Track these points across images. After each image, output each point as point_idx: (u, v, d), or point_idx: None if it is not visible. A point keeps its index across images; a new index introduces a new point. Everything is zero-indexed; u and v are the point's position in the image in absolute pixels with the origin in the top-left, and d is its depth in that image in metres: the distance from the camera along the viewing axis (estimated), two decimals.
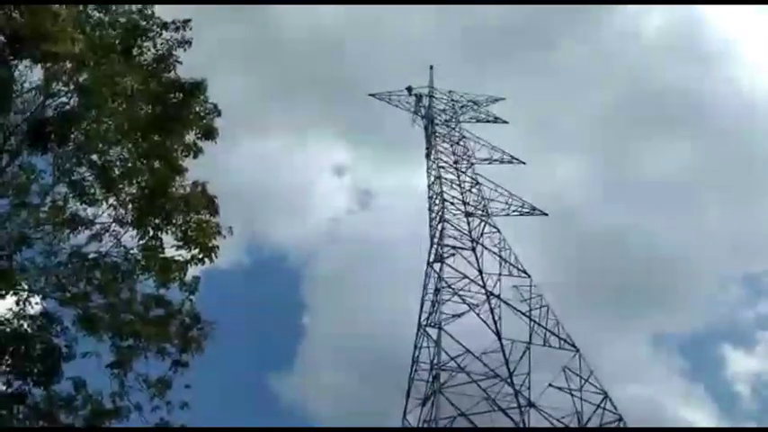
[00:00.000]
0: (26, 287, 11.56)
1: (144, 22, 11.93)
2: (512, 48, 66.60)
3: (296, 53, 63.98)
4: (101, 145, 11.39)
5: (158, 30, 11.98)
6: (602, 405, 23.83)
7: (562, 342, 26.06)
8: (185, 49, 12.03)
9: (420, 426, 22.28)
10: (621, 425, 23.12)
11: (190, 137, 12.06)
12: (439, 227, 30.28)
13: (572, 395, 24.30)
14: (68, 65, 10.78)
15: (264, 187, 62.53)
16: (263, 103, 66.97)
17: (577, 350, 25.59)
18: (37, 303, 11.65)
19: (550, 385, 24.91)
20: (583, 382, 24.55)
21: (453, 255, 28.59)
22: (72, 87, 11.16)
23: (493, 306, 27.47)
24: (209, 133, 12.15)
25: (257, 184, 61.53)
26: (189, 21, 12.01)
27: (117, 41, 11.84)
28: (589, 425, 23.63)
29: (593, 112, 62.67)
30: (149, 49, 12.04)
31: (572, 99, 62.98)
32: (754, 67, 71.56)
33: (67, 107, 11.23)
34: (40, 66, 11.06)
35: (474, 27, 64.48)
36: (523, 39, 67.06)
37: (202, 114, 12.09)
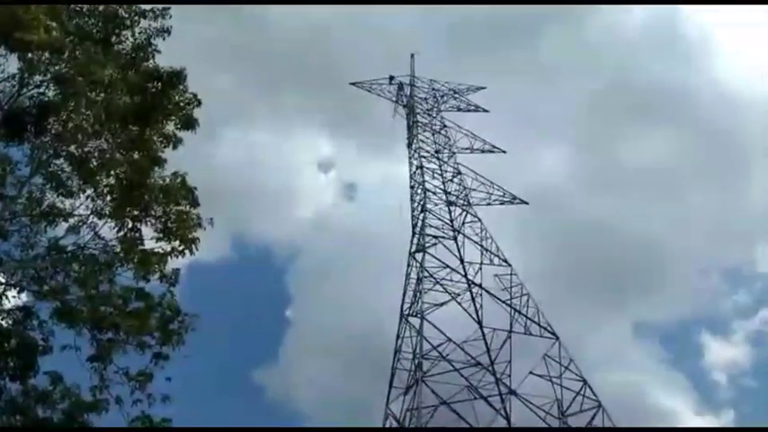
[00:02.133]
0: (2, 280, 11.38)
1: (122, 11, 11.71)
2: (494, 42, 66.45)
3: (279, 47, 63.40)
4: (78, 136, 11.17)
5: (137, 18, 11.77)
6: (582, 392, 24.17)
7: (542, 330, 26.35)
8: (164, 38, 11.84)
9: (402, 414, 22.43)
10: (601, 412, 23.48)
11: (169, 127, 11.90)
12: (421, 216, 30.36)
13: (552, 383, 24.62)
14: (44, 54, 10.55)
15: (249, 181, 62.20)
16: (247, 98, 66.43)
17: (557, 338, 25.90)
18: (14, 297, 11.49)
19: (531, 373, 25.21)
20: (563, 369, 24.87)
21: (435, 244, 28.70)
22: (48, 77, 10.92)
23: (474, 295, 27.68)
24: (189, 123, 11.97)
25: (241, 178, 61.15)
26: (168, 8, 11.81)
27: (95, 30, 11.61)
28: (569, 412, 23.97)
29: (575, 103, 63.07)
30: (128, 38, 11.83)
31: (553, 91, 63.29)
32: (732, 57, 72.42)
33: (44, 97, 11.00)
34: (15, 55, 10.82)
35: (458, 21, 64.35)
36: (506, 33, 67.03)
37: (182, 104, 11.91)
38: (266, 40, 64.70)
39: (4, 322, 11.46)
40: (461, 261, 28.74)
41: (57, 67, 10.77)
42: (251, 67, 66.18)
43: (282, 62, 64.07)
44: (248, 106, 66.55)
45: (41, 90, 11.03)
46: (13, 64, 10.90)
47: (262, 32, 65.35)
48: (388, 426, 22.53)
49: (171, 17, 11.84)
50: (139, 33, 11.86)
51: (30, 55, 10.47)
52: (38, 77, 10.91)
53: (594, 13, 70.05)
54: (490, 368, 25.39)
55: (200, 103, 11.96)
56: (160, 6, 11.74)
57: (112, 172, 11.50)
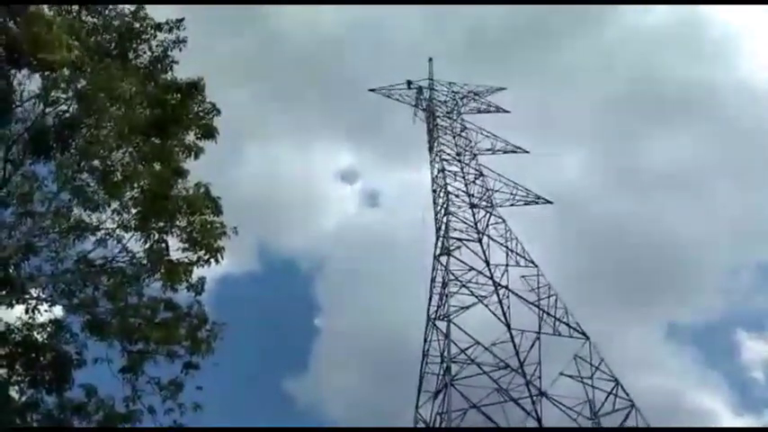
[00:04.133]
0: (34, 295, 11.63)
1: (137, 25, 11.94)
2: (514, 47, 65.75)
3: (296, 58, 63.75)
4: (102, 150, 11.39)
5: (152, 31, 11.99)
6: (614, 392, 23.76)
7: (572, 330, 25.98)
8: (180, 49, 12.05)
9: (432, 418, 22.29)
10: (634, 412, 23.04)
11: (190, 137, 12.07)
12: (444, 219, 30.21)
13: (583, 383, 24.23)
14: (66, 72, 10.79)
15: (273, 194, 62.54)
16: (266, 111, 66.83)
17: (587, 338, 25.50)
18: (46, 311, 11.73)
19: (561, 374, 24.85)
20: (594, 369, 24.47)
21: (459, 247, 28.52)
22: (71, 94, 11.17)
23: (501, 297, 27.42)
24: (209, 132, 12.15)
25: (265, 191, 61.51)
26: (182, 20, 12.00)
27: (112, 46, 11.85)
28: (601, 412, 23.58)
29: (596, 104, 62.20)
30: (145, 52, 12.07)
31: (574, 93, 62.49)
32: (755, 55, 70.88)
33: (67, 114, 11.25)
34: (38, 74, 11.09)
35: (475, 26, 64.07)
36: (525, 38, 66.26)
37: (201, 114, 12.09)
38: (282, 53, 65.21)
39: (39, 336, 11.71)
40: (487, 263, 28.48)
41: (79, 85, 11.01)
42: (268, 80, 66.60)
43: (300, 73, 64.39)
44: (268, 119, 67.02)
45: (64, 107, 11.29)
46: (35, 83, 11.20)
47: (277, 45, 65.88)
48: None
49: (185, 28, 12.07)
50: (156, 46, 12.09)
51: (53, 74, 10.71)
52: (61, 95, 11.17)
53: (614, 14, 69.21)
54: (520, 370, 25.08)
55: (219, 112, 12.14)
56: (174, 18, 11.95)
57: (136, 184, 11.70)
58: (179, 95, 11.78)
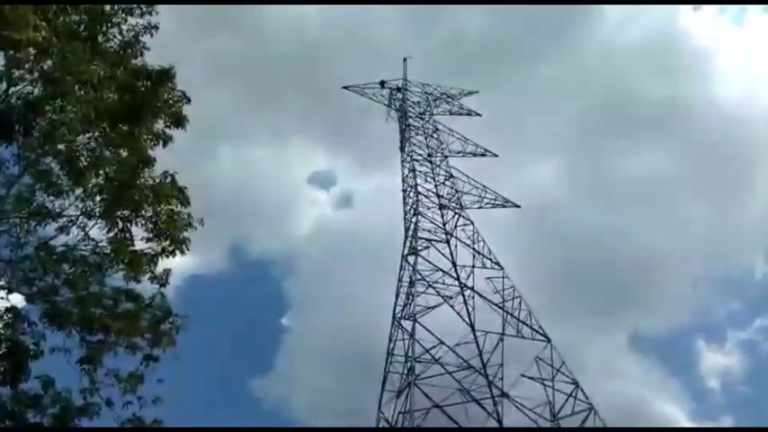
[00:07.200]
0: None
1: (108, 7, 11.68)
2: (490, 59, 66.35)
3: (273, 61, 63.40)
4: (67, 134, 11.10)
5: (123, 15, 11.75)
6: (574, 394, 24.17)
7: (534, 333, 26.35)
8: (152, 35, 11.84)
9: (395, 418, 22.34)
10: (592, 414, 23.47)
11: (159, 125, 11.87)
12: (413, 219, 30.33)
13: (544, 385, 24.60)
14: (31, 52, 10.49)
15: (246, 195, 62.27)
16: (243, 113, 66.43)
17: (549, 340, 25.90)
18: (2, 298, 11.36)
19: (523, 375, 25.20)
20: (555, 372, 24.87)
21: (427, 247, 28.68)
22: (36, 75, 10.86)
23: (466, 298, 27.66)
24: (179, 121, 11.96)
25: (239, 192, 61.25)
26: (153, 4, 11.80)
27: (81, 28, 11.56)
28: (561, 414, 23.97)
29: (570, 115, 63.32)
30: (115, 36, 11.82)
31: (549, 103, 63.51)
32: (726, 74, 72.97)
33: (32, 96, 10.93)
34: (1, 53, 10.76)
35: (452, 38, 64.53)
36: (502, 51, 66.87)
37: (171, 102, 11.89)
38: (260, 55, 64.77)
39: None
40: (454, 264, 28.72)
41: (45, 66, 10.72)
42: (246, 82, 66.10)
43: (277, 76, 64.05)
44: (244, 121, 66.57)
45: (29, 88, 10.97)
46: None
47: (256, 46, 65.37)
48: None
49: (158, 13, 11.85)
50: (127, 31, 11.85)
51: (17, 53, 10.40)
52: (26, 76, 10.86)
53: (591, 29, 70.48)
54: (482, 371, 25.36)
55: (189, 100, 11.96)
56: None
57: (102, 171, 11.45)
58: (149, 82, 11.56)
